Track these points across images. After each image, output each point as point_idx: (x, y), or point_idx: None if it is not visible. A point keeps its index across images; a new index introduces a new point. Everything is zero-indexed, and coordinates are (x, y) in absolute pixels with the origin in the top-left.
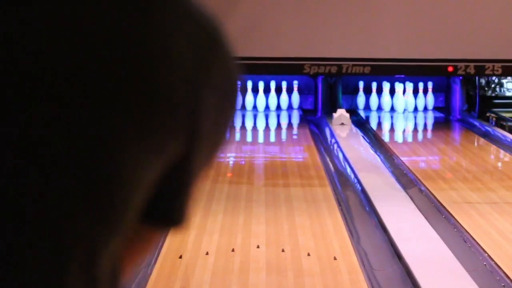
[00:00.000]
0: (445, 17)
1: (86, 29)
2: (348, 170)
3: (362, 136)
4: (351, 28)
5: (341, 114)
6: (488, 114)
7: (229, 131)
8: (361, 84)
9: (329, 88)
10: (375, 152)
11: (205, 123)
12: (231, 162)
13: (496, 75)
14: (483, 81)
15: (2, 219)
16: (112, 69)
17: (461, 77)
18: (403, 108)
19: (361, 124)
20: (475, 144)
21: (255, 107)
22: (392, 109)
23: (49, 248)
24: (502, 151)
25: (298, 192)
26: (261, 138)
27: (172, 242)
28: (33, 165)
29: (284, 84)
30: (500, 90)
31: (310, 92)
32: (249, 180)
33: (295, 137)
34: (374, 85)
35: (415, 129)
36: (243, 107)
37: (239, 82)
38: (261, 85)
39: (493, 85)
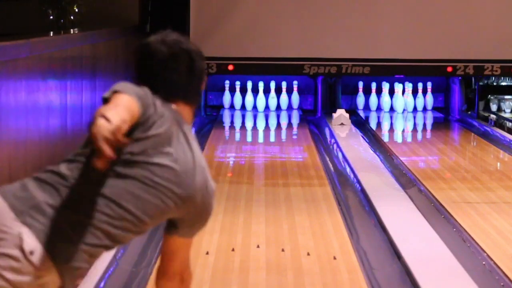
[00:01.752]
0: (444, 18)
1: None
2: (348, 170)
3: (362, 136)
4: (351, 29)
5: (340, 114)
6: (487, 115)
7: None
8: (360, 85)
9: (328, 88)
10: (375, 152)
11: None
12: (231, 162)
13: (495, 75)
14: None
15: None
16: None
17: (460, 78)
18: (402, 108)
19: (360, 124)
20: (474, 144)
21: (255, 107)
22: (392, 109)
23: None
24: (501, 151)
25: (298, 192)
26: (261, 138)
27: None
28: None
29: (284, 84)
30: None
31: (310, 92)
32: (249, 180)
33: (295, 137)
34: (373, 85)
35: (415, 129)
36: (243, 107)
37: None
38: (261, 85)
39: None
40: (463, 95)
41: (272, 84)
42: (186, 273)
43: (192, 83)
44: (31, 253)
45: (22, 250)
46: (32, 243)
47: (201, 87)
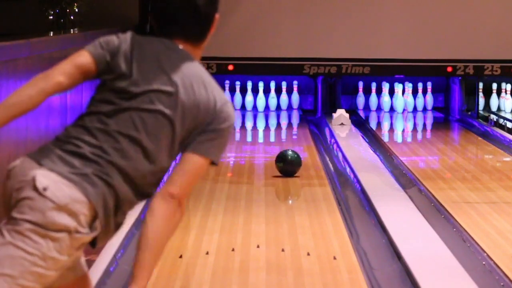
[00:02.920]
0: (444, 18)
1: None
2: (348, 170)
3: (362, 136)
4: (351, 29)
5: (340, 114)
6: (487, 115)
7: None
8: (360, 85)
9: (328, 88)
10: (375, 152)
11: None
12: (231, 162)
13: (495, 75)
14: None
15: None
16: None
17: (460, 77)
18: (402, 108)
19: (360, 124)
20: (474, 144)
21: (255, 107)
22: (392, 109)
23: None
24: (501, 151)
25: (298, 192)
26: (261, 138)
27: (172, 241)
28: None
29: (284, 84)
30: None
31: (310, 92)
32: (249, 180)
33: (295, 137)
34: (373, 85)
35: (415, 129)
36: (243, 107)
37: None
38: (261, 85)
39: None
40: (463, 95)
41: (272, 84)
42: (184, 202)
43: (195, 24)
44: (45, 189)
45: (36, 189)
46: (45, 181)
47: (207, 30)
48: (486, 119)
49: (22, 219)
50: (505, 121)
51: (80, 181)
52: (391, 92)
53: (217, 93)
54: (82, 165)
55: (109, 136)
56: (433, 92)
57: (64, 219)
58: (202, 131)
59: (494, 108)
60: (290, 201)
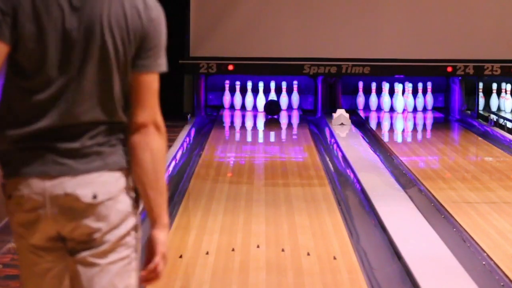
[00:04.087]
0: (445, 18)
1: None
2: (348, 170)
3: (362, 136)
4: (351, 29)
5: (340, 114)
6: (487, 115)
7: None
8: (360, 85)
9: (328, 88)
10: (375, 152)
11: None
12: (231, 162)
13: (495, 75)
14: None
15: None
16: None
17: (460, 77)
18: (402, 108)
19: (360, 124)
20: (474, 144)
21: (255, 107)
22: (392, 109)
23: None
24: (501, 151)
25: (298, 192)
26: (261, 138)
27: (172, 241)
28: None
29: (284, 84)
30: None
31: (310, 92)
32: (249, 180)
33: (295, 137)
34: (373, 85)
35: (415, 129)
36: (243, 107)
37: None
38: (261, 85)
39: None
40: (463, 95)
41: (272, 84)
42: (159, 120)
43: None
44: (95, 196)
45: (86, 204)
46: (85, 190)
47: None
48: (486, 119)
49: (98, 230)
50: (505, 121)
51: (103, 163)
52: (391, 92)
53: (138, 4)
54: (84, 147)
55: (72, 121)
56: (433, 92)
57: (127, 199)
58: (142, 52)
59: (494, 108)
60: (290, 201)
